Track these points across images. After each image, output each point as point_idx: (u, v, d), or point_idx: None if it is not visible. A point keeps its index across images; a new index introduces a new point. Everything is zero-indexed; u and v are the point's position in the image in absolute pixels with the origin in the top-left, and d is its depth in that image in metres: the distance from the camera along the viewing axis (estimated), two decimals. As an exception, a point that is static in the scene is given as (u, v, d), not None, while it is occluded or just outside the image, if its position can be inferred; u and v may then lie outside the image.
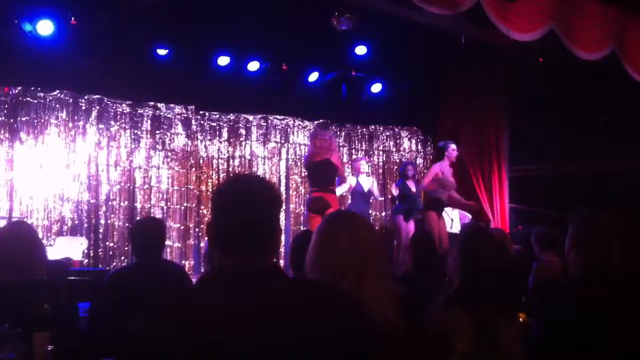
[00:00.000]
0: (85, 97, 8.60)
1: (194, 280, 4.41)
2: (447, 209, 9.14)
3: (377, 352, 1.62)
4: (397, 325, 2.02)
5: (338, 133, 10.52)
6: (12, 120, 8.12)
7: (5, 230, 3.83)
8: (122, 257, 8.57)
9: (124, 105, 8.88)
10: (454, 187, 8.26)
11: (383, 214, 10.42)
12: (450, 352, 2.17)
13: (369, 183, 8.50)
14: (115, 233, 8.64)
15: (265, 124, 9.93)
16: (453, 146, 8.34)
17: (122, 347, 1.56)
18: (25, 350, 2.46)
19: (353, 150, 10.59)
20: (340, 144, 10.51)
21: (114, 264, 8.43)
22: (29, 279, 3.19)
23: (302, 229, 9.36)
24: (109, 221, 8.63)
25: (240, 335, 1.47)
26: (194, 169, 9.30)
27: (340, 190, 8.03)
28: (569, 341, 2.43)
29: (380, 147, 10.79)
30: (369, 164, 9.33)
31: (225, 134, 9.64)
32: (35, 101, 8.27)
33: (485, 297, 2.36)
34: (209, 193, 9.19)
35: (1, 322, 2.53)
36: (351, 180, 8.42)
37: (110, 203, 8.68)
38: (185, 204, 9.17)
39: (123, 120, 8.88)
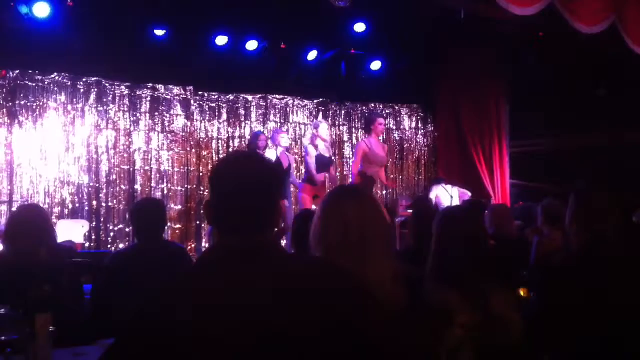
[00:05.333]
0: (84, 80, 8.56)
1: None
2: (447, 186, 9.12)
3: (378, 329, 1.62)
4: (399, 301, 2.02)
5: (338, 112, 10.50)
6: (10, 104, 8.10)
7: (17, 212, 3.85)
8: (125, 239, 8.58)
9: (122, 87, 8.85)
10: (384, 162, 8.07)
11: (384, 192, 10.41)
12: (452, 325, 2.18)
13: (288, 159, 8.27)
14: (116, 216, 8.65)
15: (264, 103, 9.90)
16: (380, 120, 7.99)
17: (123, 328, 1.56)
18: (27, 332, 2.46)
19: (353, 129, 10.57)
20: (340, 123, 10.50)
21: (116, 246, 8.45)
22: (33, 260, 3.21)
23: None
24: (109, 204, 8.64)
25: (239, 315, 1.47)
26: (194, 150, 9.29)
27: None
28: (568, 316, 2.44)
29: (381, 126, 10.75)
30: (290, 137, 9.13)
31: (224, 115, 9.62)
32: (34, 84, 8.24)
33: (466, 272, 2.37)
34: (209, 174, 9.14)
35: (4, 303, 2.54)
36: (270, 155, 7.89)
37: (110, 186, 8.68)
38: (186, 186, 9.17)
39: (122, 102, 8.86)
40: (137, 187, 8.87)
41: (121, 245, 8.43)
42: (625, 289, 2.47)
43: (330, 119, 10.38)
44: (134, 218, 3.94)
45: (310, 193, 7.82)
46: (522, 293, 3.43)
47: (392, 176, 10.43)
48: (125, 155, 8.83)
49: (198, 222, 9.15)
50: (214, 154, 9.45)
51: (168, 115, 9.14)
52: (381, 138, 8.23)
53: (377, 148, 7.80)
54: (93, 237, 8.40)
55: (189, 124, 9.26)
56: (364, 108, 10.67)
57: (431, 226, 2.62)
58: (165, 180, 9.06)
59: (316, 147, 7.91)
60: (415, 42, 9.16)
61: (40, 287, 2.60)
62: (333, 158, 8.31)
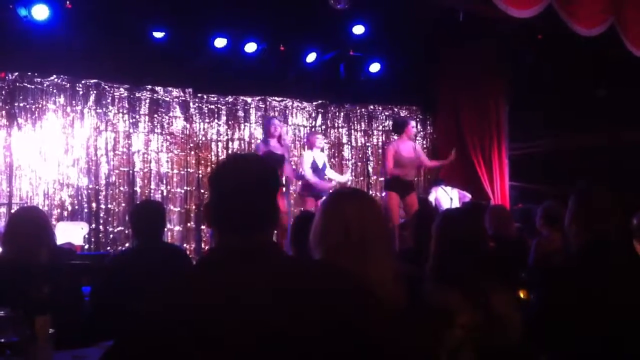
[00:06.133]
0: (83, 82, 8.57)
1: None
2: (447, 188, 9.13)
3: (379, 329, 1.62)
4: (399, 301, 2.02)
5: (337, 114, 10.51)
6: (9, 106, 8.09)
7: (16, 214, 3.86)
8: (124, 241, 8.57)
9: (121, 89, 8.85)
10: (414, 162, 8.12)
11: (384, 193, 10.40)
12: (452, 326, 2.18)
13: (323, 158, 8.39)
14: (115, 217, 8.65)
15: (263, 105, 9.90)
16: (412, 123, 8.25)
17: (123, 330, 1.56)
18: (27, 334, 2.46)
19: (352, 131, 10.57)
20: (340, 125, 10.50)
21: (115, 248, 8.45)
22: (32, 262, 3.21)
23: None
24: (109, 206, 8.63)
25: (239, 315, 1.47)
26: (193, 152, 9.28)
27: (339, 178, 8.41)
28: (568, 317, 2.43)
29: (380, 127, 10.77)
30: (325, 139, 9.27)
31: (223, 117, 9.61)
32: (33, 86, 8.24)
33: (466, 273, 2.37)
34: (209, 175, 9.12)
35: (3, 305, 2.53)
36: (307, 156, 8.16)
37: (110, 188, 8.68)
38: (185, 188, 9.17)
39: (121, 104, 8.86)
40: (137, 189, 8.86)
41: (120, 248, 8.42)
42: (625, 289, 2.47)
43: (329, 120, 10.40)
44: (134, 220, 3.94)
45: None
46: (521, 295, 3.43)
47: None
48: (125, 157, 8.82)
49: (197, 224, 9.15)
50: (213, 156, 9.45)
51: (167, 117, 9.14)
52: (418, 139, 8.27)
53: (406, 150, 7.88)
54: (92, 239, 8.39)
55: (188, 125, 9.26)
56: (363, 110, 10.68)
57: (431, 227, 2.62)
58: (164, 182, 9.06)
59: (269, 145, 7.80)
60: (414, 43, 9.17)
61: (40, 289, 2.60)
62: (286, 155, 8.01)
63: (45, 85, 8.32)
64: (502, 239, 4.89)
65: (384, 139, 10.69)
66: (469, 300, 2.27)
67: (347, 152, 10.50)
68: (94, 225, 8.45)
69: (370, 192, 10.07)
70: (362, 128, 10.65)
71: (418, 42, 9.10)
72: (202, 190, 9.25)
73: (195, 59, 8.65)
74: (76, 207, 8.42)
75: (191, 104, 9.31)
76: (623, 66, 7.79)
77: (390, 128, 10.25)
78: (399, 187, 7.84)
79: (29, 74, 8.21)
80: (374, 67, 9.83)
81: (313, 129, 10.14)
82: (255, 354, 1.44)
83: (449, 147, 10.42)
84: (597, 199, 2.64)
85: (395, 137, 8.22)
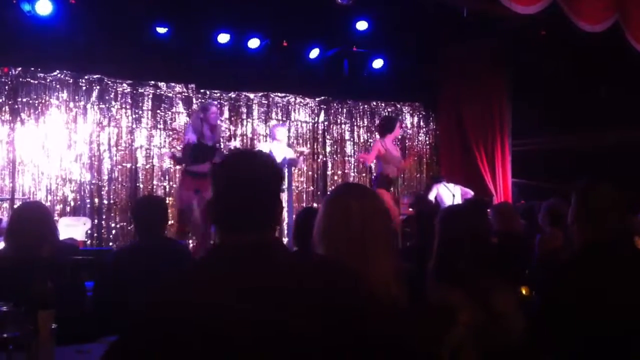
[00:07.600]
0: (86, 77, 8.57)
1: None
2: (449, 185, 9.11)
3: (379, 328, 1.61)
4: (401, 299, 2.02)
5: (340, 110, 10.49)
6: (12, 102, 8.11)
7: (19, 209, 3.87)
8: (126, 237, 8.58)
9: (124, 84, 8.85)
10: (400, 161, 8.06)
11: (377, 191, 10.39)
12: (454, 324, 2.18)
13: (283, 152, 8.08)
14: (118, 213, 8.66)
15: (266, 101, 9.90)
16: (399, 124, 8.29)
17: (125, 325, 1.56)
18: (30, 329, 2.46)
19: (355, 127, 10.56)
20: (342, 121, 10.49)
21: (117, 243, 8.46)
22: (34, 257, 3.21)
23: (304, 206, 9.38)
24: (111, 201, 8.65)
25: (238, 312, 1.47)
26: (195, 148, 9.27)
27: None
28: (570, 315, 2.43)
29: (382, 123, 10.74)
30: (286, 131, 9.12)
31: (226, 113, 9.60)
32: (36, 82, 8.25)
33: (469, 270, 2.37)
34: (210, 172, 9.12)
35: (6, 300, 2.53)
36: (263, 147, 8.14)
37: (112, 183, 8.69)
38: (187, 183, 9.16)
39: (124, 100, 8.86)
40: (139, 184, 8.88)
41: (123, 243, 8.42)
42: (627, 288, 2.46)
43: (332, 116, 10.39)
44: (135, 215, 3.95)
45: (190, 187, 7.36)
46: (524, 292, 3.42)
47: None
48: (127, 153, 8.83)
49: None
50: (215, 152, 9.43)
51: (170, 113, 9.15)
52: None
53: (393, 149, 7.89)
54: (95, 235, 8.41)
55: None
56: (366, 106, 10.67)
57: (433, 224, 2.61)
58: (167, 178, 9.06)
59: (202, 134, 7.44)
60: (417, 40, 9.15)
61: (42, 284, 2.60)
62: (218, 145, 7.75)
63: (48, 80, 8.33)
64: (508, 236, 4.87)
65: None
66: (470, 298, 2.26)
67: (349, 149, 10.48)
68: (96, 221, 8.47)
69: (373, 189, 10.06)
70: (365, 124, 10.63)
71: (421, 38, 9.08)
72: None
73: (198, 54, 8.64)
74: (79, 202, 8.43)
75: (194, 99, 9.31)
76: (626, 64, 7.77)
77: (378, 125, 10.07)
78: (389, 185, 7.83)
79: (32, 69, 8.22)
80: (377, 64, 9.82)
81: (315, 125, 10.15)
82: (255, 351, 1.44)
83: (451, 143, 10.46)
84: (598, 197, 2.62)
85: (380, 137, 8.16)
